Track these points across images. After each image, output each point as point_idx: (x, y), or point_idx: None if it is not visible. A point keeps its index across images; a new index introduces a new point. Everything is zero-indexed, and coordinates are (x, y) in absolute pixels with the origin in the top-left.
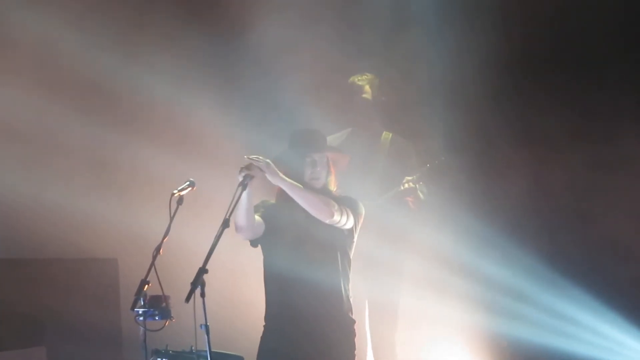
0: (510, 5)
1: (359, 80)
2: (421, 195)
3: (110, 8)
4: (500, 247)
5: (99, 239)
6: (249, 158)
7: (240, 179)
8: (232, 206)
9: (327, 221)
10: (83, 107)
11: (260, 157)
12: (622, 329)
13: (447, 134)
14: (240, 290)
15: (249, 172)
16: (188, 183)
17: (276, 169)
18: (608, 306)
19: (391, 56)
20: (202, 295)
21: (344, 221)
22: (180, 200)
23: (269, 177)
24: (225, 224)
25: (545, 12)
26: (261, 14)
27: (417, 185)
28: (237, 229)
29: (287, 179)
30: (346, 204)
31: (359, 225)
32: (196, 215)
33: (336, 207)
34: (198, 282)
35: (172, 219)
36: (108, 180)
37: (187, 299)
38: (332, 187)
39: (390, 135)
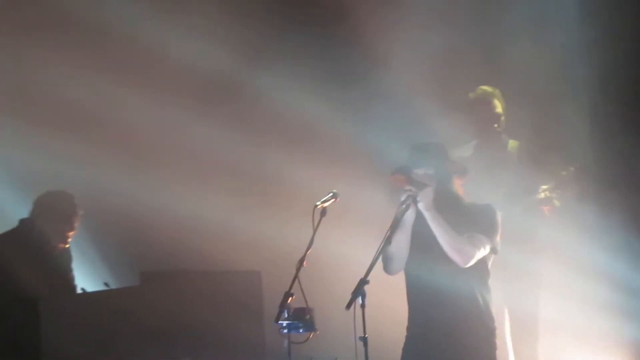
0: None
1: (484, 94)
2: (557, 203)
3: (247, 17)
4: None
5: (242, 252)
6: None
7: (403, 198)
8: (393, 225)
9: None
10: (226, 119)
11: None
12: None
13: (584, 141)
14: (389, 300)
15: (413, 193)
16: (331, 194)
17: (431, 200)
18: None
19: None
20: (362, 306)
21: (480, 256)
22: (324, 211)
23: (420, 204)
24: (388, 241)
25: None
26: (389, 19)
27: (552, 194)
28: (389, 259)
29: (438, 216)
30: (481, 227)
31: (497, 238)
32: (340, 227)
33: (474, 255)
34: (359, 292)
35: (315, 230)
36: (251, 193)
37: (348, 307)
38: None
39: (517, 143)
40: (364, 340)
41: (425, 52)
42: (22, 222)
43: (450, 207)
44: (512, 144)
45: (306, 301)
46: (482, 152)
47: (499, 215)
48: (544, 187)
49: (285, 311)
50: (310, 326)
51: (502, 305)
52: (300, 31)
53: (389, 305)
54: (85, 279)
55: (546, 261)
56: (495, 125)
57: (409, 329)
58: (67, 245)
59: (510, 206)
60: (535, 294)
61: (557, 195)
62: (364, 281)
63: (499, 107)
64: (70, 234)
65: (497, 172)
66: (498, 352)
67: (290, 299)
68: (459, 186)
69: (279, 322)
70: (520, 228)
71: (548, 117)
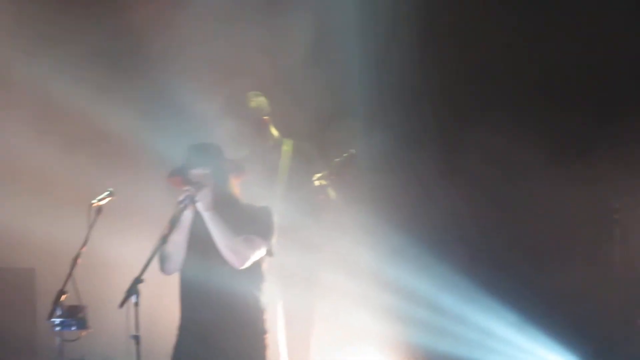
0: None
1: (252, 101)
2: (332, 193)
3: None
4: (418, 259)
5: (15, 248)
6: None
7: (181, 198)
8: (170, 225)
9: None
10: None
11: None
12: (540, 343)
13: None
14: (162, 299)
15: (191, 193)
16: (108, 193)
17: (209, 200)
18: (527, 319)
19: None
20: (136, 305)
21: (256, 258)
22: (100, 210)
23: (198, 205)
24: (164, 240)
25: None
26: (175, 19)
27: (326, 182)
28: (165, 259)
29: (216, 216)
30: (258, 228)
31: (273, 241)
32: (117, 226)
33: (249, 257)
34: (133, 290)
35: (90, 228)
36: (23, 188)
37: (121, 305)
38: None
39: (292, 142)
40: (137, 338)
41: (208, 55)
42: None
43: (228, 208)
44: (287, 142)
45: (80, 299)
46: (257, 155)
47: (276, 217)
48: (318, 175)
49: (59, 309)
50: (82, 324)
51: (277, 304)
52: (84, 26)
53: (163, 305)
54: None
55: (324, 261)
56: (264, 128)
57: (180, 328)
58: None
59: (286, 203)
60: (311, 294)
61: (330, 183)
62: (138, 280)
63: (264, 111)
64: None
65: (273, 172)
66: (270, 352)
67: (63, 296)
68: (236, 186)
69: (52, 319)
70: (299, 227)
71: (324, 115)
